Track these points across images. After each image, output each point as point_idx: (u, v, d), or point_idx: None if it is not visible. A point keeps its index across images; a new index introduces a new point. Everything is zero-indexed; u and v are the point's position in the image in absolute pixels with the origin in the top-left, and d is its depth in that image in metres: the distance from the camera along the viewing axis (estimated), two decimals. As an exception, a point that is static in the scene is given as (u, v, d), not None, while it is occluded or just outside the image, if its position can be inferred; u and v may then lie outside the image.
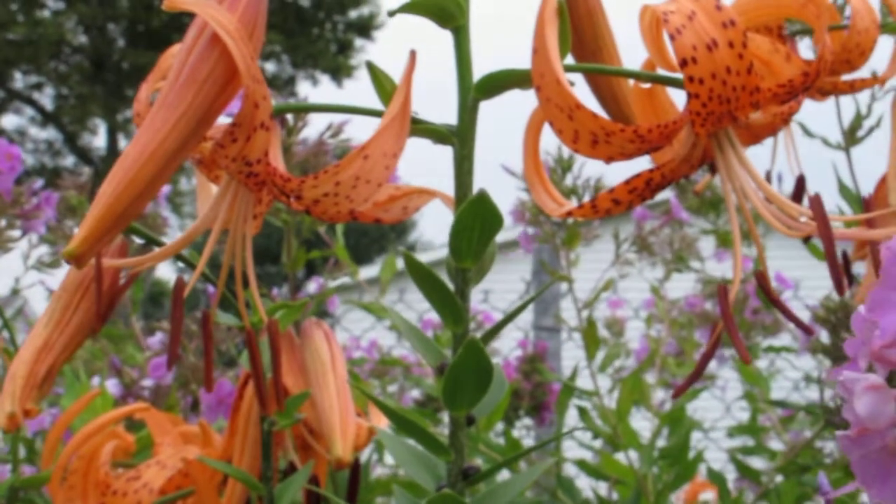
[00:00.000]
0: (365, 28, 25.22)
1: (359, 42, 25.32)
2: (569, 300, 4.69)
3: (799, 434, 2.73)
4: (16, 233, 1.77)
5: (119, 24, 25.18)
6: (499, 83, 0.93)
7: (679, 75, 0.91)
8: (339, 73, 24.50)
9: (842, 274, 0.83)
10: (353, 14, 24.92)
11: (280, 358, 0.92)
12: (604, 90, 1.04)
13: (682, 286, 3.22)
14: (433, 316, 4.18)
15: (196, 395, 1.67)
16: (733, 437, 3.12)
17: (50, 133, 26.54)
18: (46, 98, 26.08)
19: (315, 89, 24.87)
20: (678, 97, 0.98)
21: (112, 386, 1.70)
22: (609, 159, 0.89)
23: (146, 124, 0.83)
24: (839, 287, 0.83)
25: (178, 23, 23.93)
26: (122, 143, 25.81)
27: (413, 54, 0.92)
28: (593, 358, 2.26)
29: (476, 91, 0.94)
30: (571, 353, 5.24)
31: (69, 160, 26.24)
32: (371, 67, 0.94)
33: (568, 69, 0.89)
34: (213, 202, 0.94)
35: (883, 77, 1.32)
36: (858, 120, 1.69)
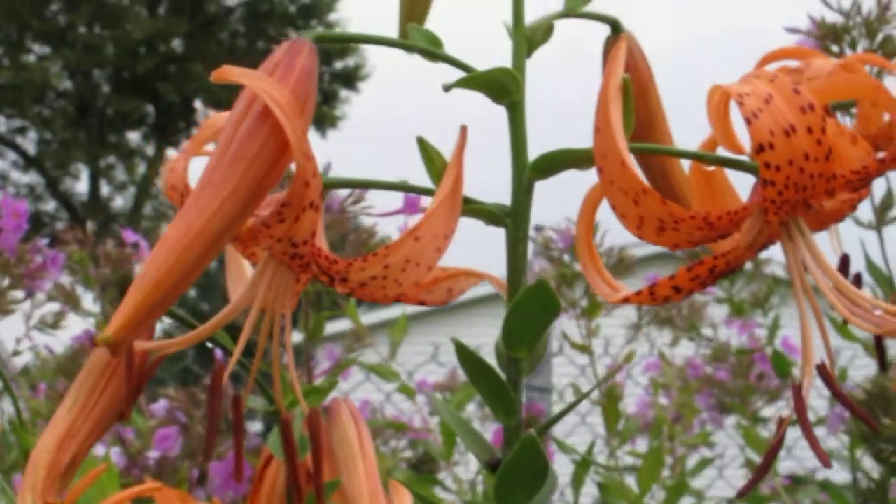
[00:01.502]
0: (350, 79, 25.29)
1: (344, 93, 25.39)
2: (560, 360, 4.65)
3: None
4: (19, 293, 1.71)
5: (104, 70, 25.19)
6: (556, 163, 0.88)
7: (746, 158, 0.87)
8: (324, 123, 24.53)
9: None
10: (338, 65, 24.99)
11: (322, 453, 0.87)
12: (655, 168, 1.00)
13: (679, 351, 3.18)
14: (426, 376, 4.14)
15: (203, 467, 1.61)
16: (732, 504, 3.07)
17: (32, 177, 26.44)
18: (29, 142, 26.03)
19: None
20: (736, 178, 0.94)
21: (116, 455, 1.64)
22: (675, 246, 0.84)
23: (190, 203, 0.78)
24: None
25: (164, 71, 24.01)
26: (104, 188, 25.76)
27: (464, 130, 0.87)
28: (614, 431, 2.20)
29: (532, 170, 0.89)
30: (564, 419, 5.19)
31: (50, 205, 26.15)
32: (421, 143, 0.90)
33: (632, 150, 0.85)
34: (252, 282, 0.89)
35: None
36: (890, 199, 1.66)
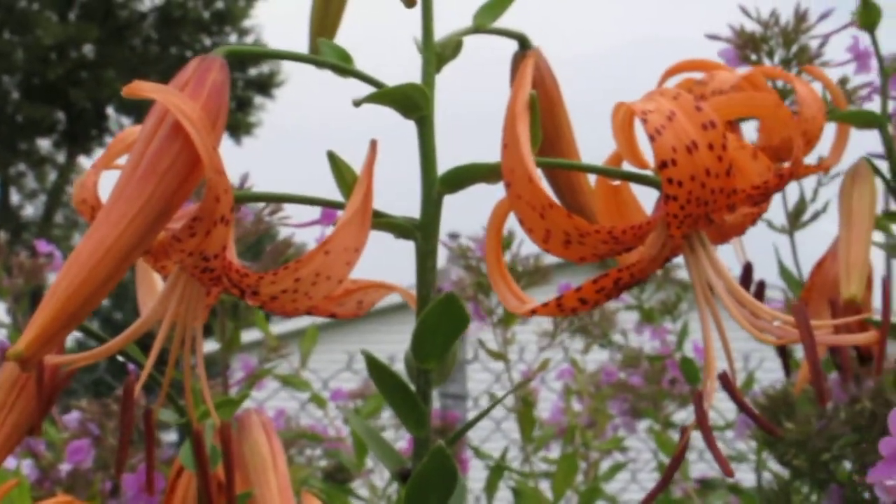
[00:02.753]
0: (265, 86, 25.15)
1: (258, 100, 25.23)
2: (475, 367, 4.67)
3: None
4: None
5: (13, 77, 24.79)
6: (465, 177, 0.90)
7: (650, 173, 0.89)
8: (238, 130, 24.36)
9: (825, 386, 0.80)
10: (252, 72, 24.84)
11: (234, 464, 0.87)
12: (562, 182, 1.02)
13: (594, 357, 3.21)
14: (342, 384, 4.13)
15: (117, 479, 1.60)
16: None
17: (-60, 185, 25.98)
18: (-62, 149, 25.56)
19: (212, 145, 24.52)
20: (641, 193, 0.96)
21: (27, 468, 1.62)
22: (581, 260, 0.86)
23: (101, 218, 0.78)
24: (822, 398, 0.81)
25: (75, 77, 23.67)
26: (14, 197, 25.33)
27: (374, 144, 0.89)
28: (529, 439, 2.22)
29: (441, 184, 0.91)
30: (479, 425, 5.20)
31: (-42, 213, 25.69)
32: (331, 157, 0.91)
33: (539, 165, 0.86)
34: (162, 296, 0.89)
35: (827, 164, 1.32)
36: (803, 204, 1.70)
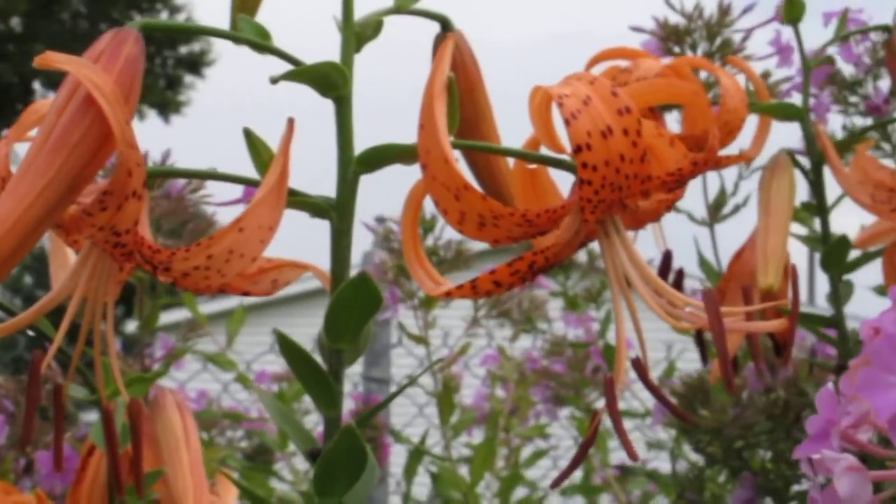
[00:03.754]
0: (195, 64, 24.89)
1: (188, 78, 24.97)
2: (398, 352, 4.67)
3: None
4: None
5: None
6: (381, 157, 0.90)
7: (567, 157, 0.89)
8: (167, 108, 24.09)
9: (732, 374, 0.81)
10: (183, 50, 24.59)
11: (142, 443, 0.87)
12: (481, 165, 1.02)
13: (520, 344, 3.22)
14: (266, 366, 4.11)
15: (30, 456, 1.58)
16: (567, 495, 3.12)
17: None
18: None
19: (142, 123, 24.37)
20: (559, 176, 0.96)
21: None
22: (495, 242, 0.86)
23: (9, 189, 0.77)
24: (729, 386, 0.81)
25: (2, 50, 23.30)
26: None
27: (291, 123, 0.88)
28: (447, 423, 2.23)
29: (357, 164, 0.90)
30: (401, 410, 5.22)
31: None
32: (248, 134, 0.90)
33: (454, 146, 0.86)
34: (73, 271, 0.88)
35: (748, 155, 1.34)
36: (723, 197, 1.72)
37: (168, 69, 24.08)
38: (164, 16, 23.30)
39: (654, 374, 3.13)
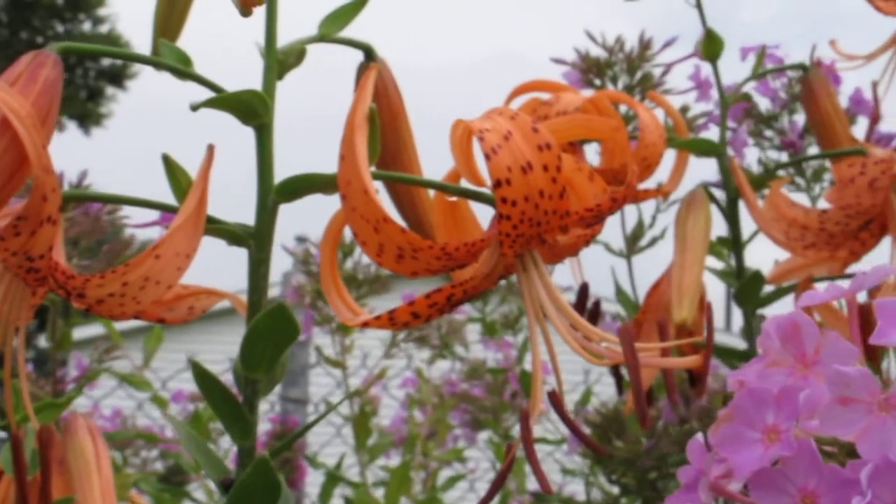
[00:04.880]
0: (117, 76, 24.62)
1: (110, 90, 24.70)
2: (317, 371, 4.64)
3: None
4: None
5: None
6: (301, 186, 0.89)
7: (487, 190, 0.89)
8: (88, 120, 23.81)
9: (647, 409, 0.82)
10: (105, 61, 24.32)
11: (51, 471, 0.85)
12: (402, 196, 1.02)
13: (441, 366, 3.22)
14: (181, 385, 4.07)
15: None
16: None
17: None
18: None
19: (60, 135, 24.02)
20: (479, 209, 0.96)
21: None
22: (413, 274, 0.86)
23: (-81, 213, 0.76)
24: (644, 421, 0.82)
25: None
26: None
27: (211, 149, 0.87)
28: (363, 447, 2.22)
29: (276, 193, 0.90)
30: (319, 430, 5.19)
31: None
32: (166, 160, 0.90)
33: (374, 177, 0.86)
34: (-16, 295, 0.87)
35: (666, 189, 1.35)
36: (641, 229, 1.73)
37: (89, 80, 23.81)
38: (86, 26, 23.06)
39: (572, 399, 3.15)
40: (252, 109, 0.89)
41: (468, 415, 3.06)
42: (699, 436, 0.59)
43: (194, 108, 0.86)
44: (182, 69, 0.89)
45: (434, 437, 3.17)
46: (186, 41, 0.99)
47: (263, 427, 3.82)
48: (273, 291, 2.88)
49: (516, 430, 3.19)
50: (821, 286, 1.23)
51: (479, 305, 2.65)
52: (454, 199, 0.96)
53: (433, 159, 1.03)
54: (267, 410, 4.33)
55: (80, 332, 2.14)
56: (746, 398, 0.55)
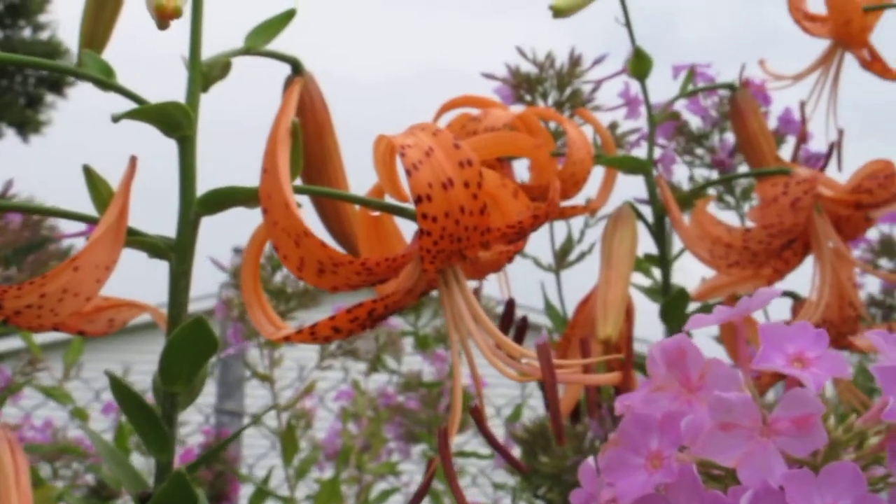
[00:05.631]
0: (57, 84, 24.37)
1: (50, 98, 24.46)
2: (253, 384, 4.62)
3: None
4: None
5: None
6: (223, 200, 0.89)
7: (410, 205, 0.90)
8: (27, 127, 23.55)
9: (562, 425, 0.82)
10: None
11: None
12: (327, 209, 1.02)
13: (376, 378, 3.22)
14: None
15: None
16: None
17: None
18: None
19: (-1, 143, 23.73)
20: (404, 224, 0.97)
21: None
22: (334, 289, 0.86)
23: None
24: (559, 437, 0.82)
25: None
26: None
27: (133, 161, 0.87)
28: (291, 462, 2.21)
29: (199, 206, 0.89)
30: (254, 442, 5.16)
31: None
32: (87, 171, 0.89)
33: (297, 191, 0.86)
34: None
35: (594, 206, 1.36)
36: (570, 244, 1.74)
37: (29, 87, 23.55)
38: (26, 32, 22.82)
39: (507, 413, 3.15)
40: (175, 121, 0.88)
41: (403, 428, 3.06)
42: (591, 459, 0.59)
43: (115, 119, 0.85)
44: (104, 80, 0.89)
45: (368, 450, 3.16)
46: (113, 52, 0.98)
47: (197, 439, 3.79)
48: (212, 302, 2.85)
49: (452, 444, 3.20)
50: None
51: (411, 319, 2.65)
52: (377, 214, 0.97)
53: (370, 172, 1.03)
54: (201, 422, 4.30)
55: (5, 345, 2.12)
56: (632, 423, 0.56)
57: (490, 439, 0.92)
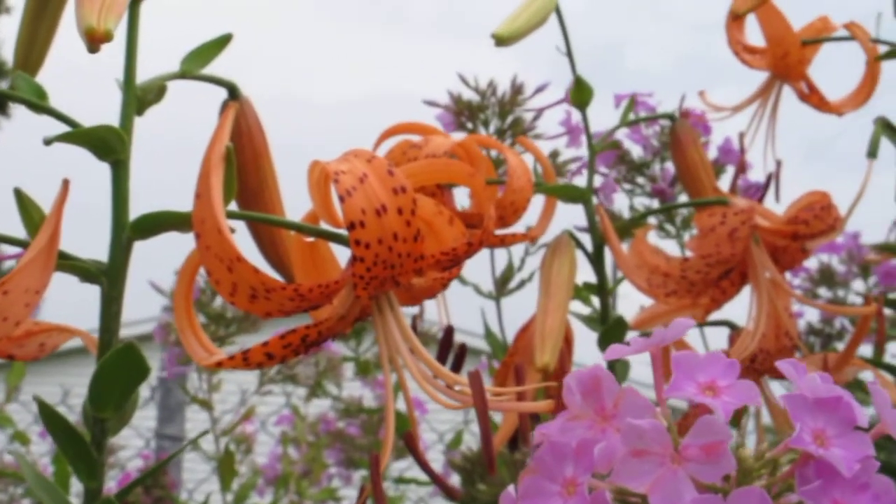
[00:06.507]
0: (1, 104, 24.21)
1: (-6, 117, 24.23)
2: (194, 408, 4.58)
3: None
4: None
5: None
6: (156, 224, 0.88)
7: (344, 232, 0.89)
8: (-29, 147, 23.33)
9: (493, 452, 0.82)
10: (-10, 88, 23.80)
11: None
12: (263, 235, 1.01)
13: (317, 403, 3.20)
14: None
15: None
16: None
17: None
18: None
19: (-56, 162, 23.43)
20: (340, 250, 0.96)
21: None
22: (267, 315, 0.86)
23: None
24: (490, 465, 0.82)
25: None
26: None
27: (66, 184, 0.86)
28: (229, 488, 2.19)
29: (131, 230, 0.89)
30: (194, 466, 5.12)
31: None
32: (18, 194, 0.88)
33: (231, 216, 0.86)
34: None
35: (533, 234, 1.36)
36: (510, 271, 1.74)
37: (-26, 107, 23.33)
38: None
39: (449, 438, 3.14)
40: (108, 145, 0.88)
41: (343, 453, 3.04)
42: (511, 488, 0.59)
43: (47, 142, 0.85)
44: (37, 102, 0.88)
45: (309, 476, 3.14)
46: (47, 75, 0.97)
47: (136, 464, 3.75)
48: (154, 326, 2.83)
49: (392, 469, 3.19)
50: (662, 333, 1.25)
51: (352, 344, 2.64)
52: (311, 239, 0.96)
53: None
54: (142, 447, 4.26)
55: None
56: (547, 452, 0.56)
57: (424, 466, 0.92)
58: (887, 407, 0.56)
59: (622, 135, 1.74)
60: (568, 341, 1.38)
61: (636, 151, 1.79)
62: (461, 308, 1.38)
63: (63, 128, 0.89)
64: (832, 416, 0.54)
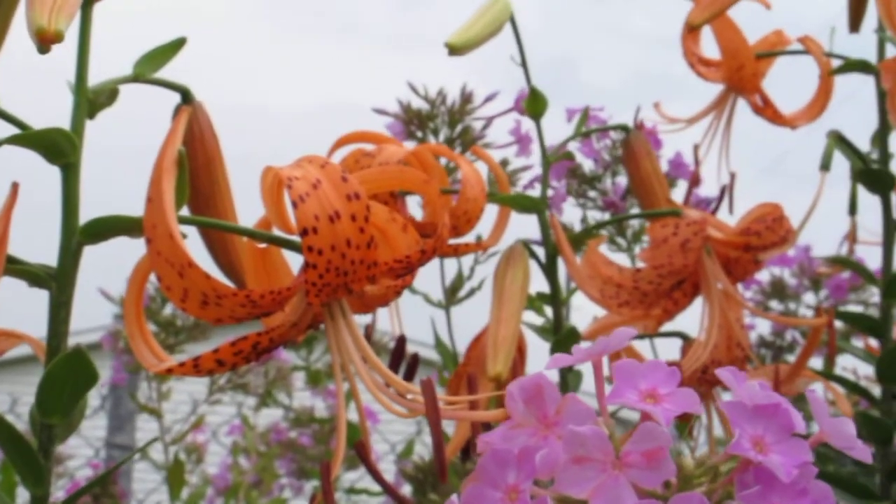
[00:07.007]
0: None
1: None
2: (145, 417, 4.55)
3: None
4: None
5: None
6: (107, 229, 0.87)
7: (297, 238, 0.89)
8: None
9: (446, 461, 0.82)
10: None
11: None
12: (215, 241, 1.01)
13: (268, 412, 3.19)
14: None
15: None
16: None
17: None
18: None
19: None
20: (293, 256, 0.96)
21: None
22: (218, 321, 0.85)
23: None
24: (442, 474, 0.82)
25: None
26: None
27: (15, 187, 0.85)
28: (178, 497, 2.17)
29: (81, 235, 0.88)
30: (144, 476, 5.08)
31: None
32: (-33, 198, 0.87)
33: (183, 221, 0.85)
34: None
35: (486, 244, 1.36)
36: (460, 280, 1.74)
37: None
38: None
39: (401, 448, 3.14)
40: (58, 148, 0.87)
41: (294, 463, 3.03)
42: (454, 496, 0.59)
43: (-4, 144, 0.84)
44: (-16, 104, 0.87)
45: (260, 486, 3.13)
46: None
47: (85, 473, 3.72)
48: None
49: (344, 480, 3.18)
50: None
51: (303, 354, 2.63)
52: (264, 246, 0.96)
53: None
54: (91, 456, 4.22)
55: None
56: (490, 459, 0.57)
57: (376, 475, 0.91)
58: (825, 415, 0.57)
59: (573, 149, 1.74)
60: (521, 351, 1.38)
61: (588, 165, 1.79)
62: (411, 317, 1.37)
63: (13, 130, 0.87)
64: (771, 423, 0.55)
